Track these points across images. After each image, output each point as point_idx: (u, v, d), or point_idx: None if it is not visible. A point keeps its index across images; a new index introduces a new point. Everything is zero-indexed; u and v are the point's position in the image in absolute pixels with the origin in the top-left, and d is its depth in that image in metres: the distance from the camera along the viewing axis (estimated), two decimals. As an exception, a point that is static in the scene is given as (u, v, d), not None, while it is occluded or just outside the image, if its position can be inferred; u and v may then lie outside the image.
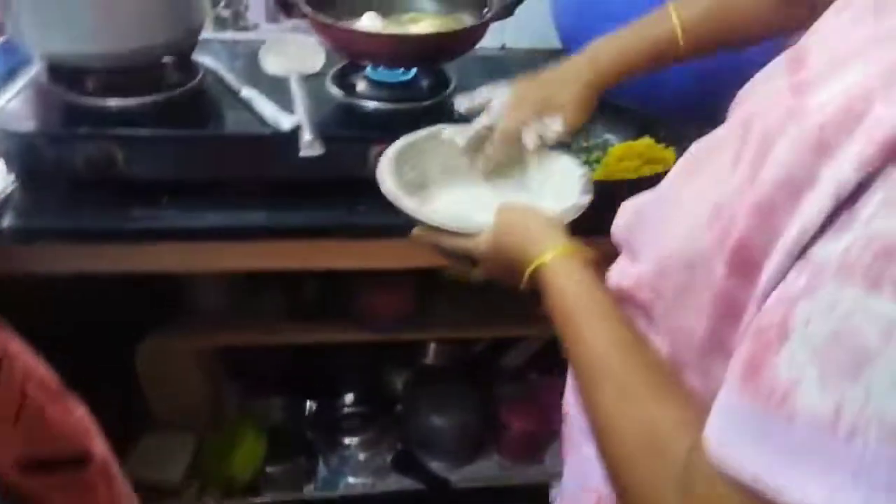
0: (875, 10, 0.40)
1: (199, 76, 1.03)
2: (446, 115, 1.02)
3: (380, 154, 0.84)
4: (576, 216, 0.73)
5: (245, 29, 1.36)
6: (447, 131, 0.85)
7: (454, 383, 1.58)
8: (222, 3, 1.34)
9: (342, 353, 1.54)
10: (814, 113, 0.38)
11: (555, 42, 1.25)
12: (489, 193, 0.84)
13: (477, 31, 0.95)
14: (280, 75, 1.06)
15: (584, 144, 1.09)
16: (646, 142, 1.02)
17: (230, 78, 1.04)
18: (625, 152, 1.00)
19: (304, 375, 1.60)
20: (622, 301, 0.56)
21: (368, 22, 1.03)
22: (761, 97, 0.48)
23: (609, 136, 1.09)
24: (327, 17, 0.98)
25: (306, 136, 0.90)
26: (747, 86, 0.55)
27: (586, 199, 0.76)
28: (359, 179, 0.87)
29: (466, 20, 1.07)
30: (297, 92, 1.00)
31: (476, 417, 1.54)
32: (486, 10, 1.03)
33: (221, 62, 1.10)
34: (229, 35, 1.32)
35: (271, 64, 1.09)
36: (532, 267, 0.60)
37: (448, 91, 1.04)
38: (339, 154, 0.92)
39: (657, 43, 0.78)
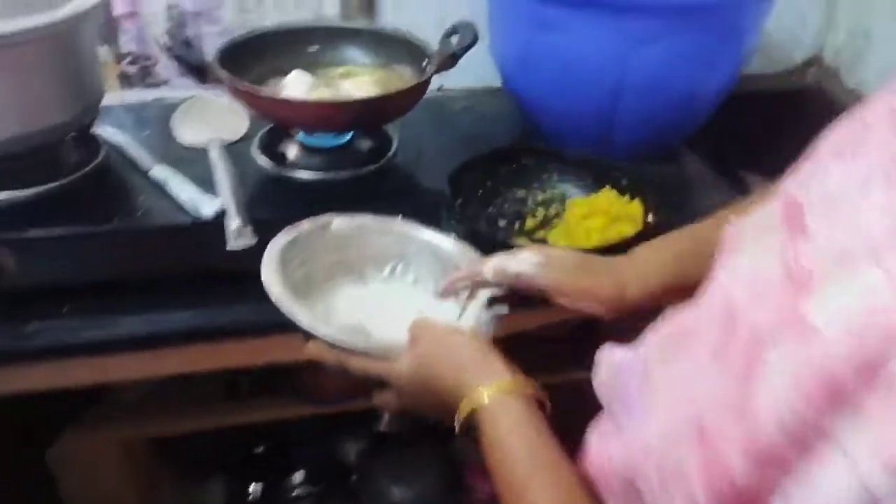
0: (888, 177, 0.33)
1: (101, 155, 0.89)
2: (391, 179, 0.91)
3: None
4: (495, 328, 0.64)
5: (155, 86, 1.21)
6: (336, 222, 0.74)
7: (413, 449, 1.46)
8: (127, 59, 1.19)
9: (288, 426, 1.40)
10: (820, 337, 0.31)
11: (494, 80, 1.15)
12: (392, 295, 0.74)
13: (419, 89, 0.84)
14: (197, 145, 0.93)
15: (540, 198, 0.99)
16: (608, 195, 0.93)
17: (138, 153, 0.89)
18: (588, 208, 0.91)
19: (247, 455, 1.45)
20: (609, 473, 0.48)
21: (296, 81, 0.90)
22: (748, 276, 0.39)
23: (566, 187, 1.00)
24: (247, 82, 0.86)
25: (233, 223, 0.77)
26: (734, 224, 0.46)
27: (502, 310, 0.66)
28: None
29: (405, 73, 0.96)
30: (218, 165, 0.86)
31: (439, 483, 1.42)
32: (425, 62, 0.92)
33: (128, 132, 0.95)
34: (135, 96, 1.17)
35: (186, 132, 0.95)
36: (466, 411, 0.52)
37: (391, 152, 0.93)
38: (270, 239, 0.79)
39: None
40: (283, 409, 1.22)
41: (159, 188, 0.84)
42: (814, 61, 1.47)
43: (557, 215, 0.95)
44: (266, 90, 0.84)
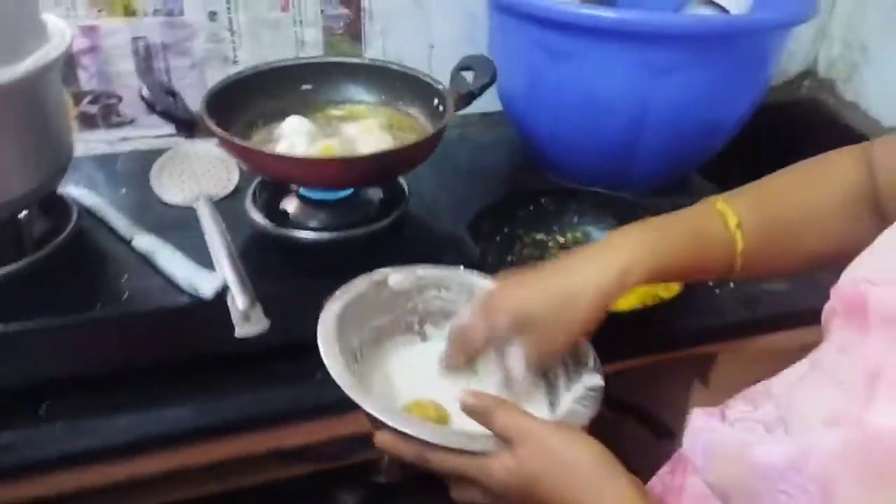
0: None
1: (73, 222, 0.76)
2: (405, 231, 0.81)
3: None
4: (594, 412, 0.55)
5: (119, 125, 1.08)
6: (394, 278, 0.64)
7: (413, 499, 1.36)
8: (87, 99, 1.06)
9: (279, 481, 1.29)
10: None
11: (496, 103, 1.07)
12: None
13: (437, 137, 0.74)
14: (183, 204, 0.81)
15: (561, 241, 0.91)
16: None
17: (116, 218, 0.77)
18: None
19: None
20: None
21: (294, 130, 0.79)
22: None
23: (587, 229, 0.92)
24: (239, 131, 0.74)
25: (239, 302, 0.66)
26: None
27: (598, 381, 0.57)
28: (310, 343, 0.64)
29: (413, 112, 0.86)
30: (210, 229, 0.75)
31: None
32: (437, 101, 0.82)
33: (101, 192, 0.83)
34: (101, 138, 1.04)
35: (168, 189, 0.83)
36: None
37: (405, 201, 0.83)
38: (280, 315, 0.68)
39: (707, 262, 0.58)
40: (273, 471, 1.10)
41: (145, 261, 0.72)
42: (807, 74, 1.43)
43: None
44: (266, 148, 0.73)
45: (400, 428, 0.50)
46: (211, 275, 0.69)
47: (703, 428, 0.48)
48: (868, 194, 0.55)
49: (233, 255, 0.71)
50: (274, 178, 0.76)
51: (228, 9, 1.04)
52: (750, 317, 0.80)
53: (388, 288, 0.64)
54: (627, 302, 0.76)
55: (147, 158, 0.88)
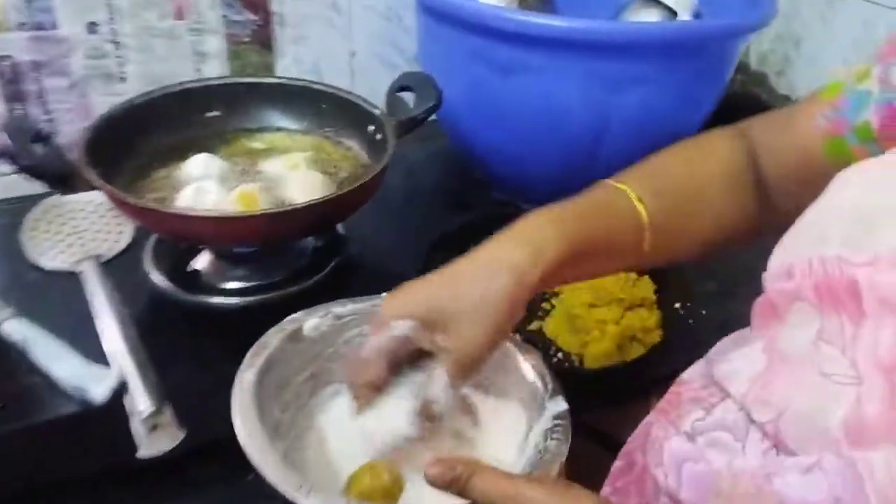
0: None
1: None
2: (344, 282, 0.67)
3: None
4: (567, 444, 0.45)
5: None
6: (308, 325, 0.51)
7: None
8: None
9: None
10: None
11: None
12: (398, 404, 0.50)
13: (379, 179, 0.61)
14: (63, 269, 0.65)
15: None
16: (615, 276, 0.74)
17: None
18: (594, 294, 0.71)
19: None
20: None
21: (203, 174, 0.64)
22: None
23: None
24: (132, 182, 0.59)
25: (142, 407, 0.51)
26: None
27: (562, 406, 0.47)
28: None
29: (345, 141, 0.72)
30: (99, 303, 0.59)
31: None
32: (372, 128, 0.69)
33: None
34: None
35: (44, 250, 0.66)
36: None
37: (344, 247, 0.69)
38: (196, 411, 0.54)
39: (617, 236, 0.50)
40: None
41: (18, 355, 0.55)
42: (739, 68, 1.37)
43: (547, 299, 0.75)
44: (164, 205, 0.57)
45: None
46: (102, 370, 0.53)
47: (681, 454, 0.42)
48: (746, 173, 0.54)
49: (130, 339, 0.56)
50: (179, 239, 0.61)
51: (111, 18, 0.87)
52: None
53: (303, 338, 0.51)
54: (601, 347, 0.66)
55: (18, 209, 0.70)
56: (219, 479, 0.56)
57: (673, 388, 0.48)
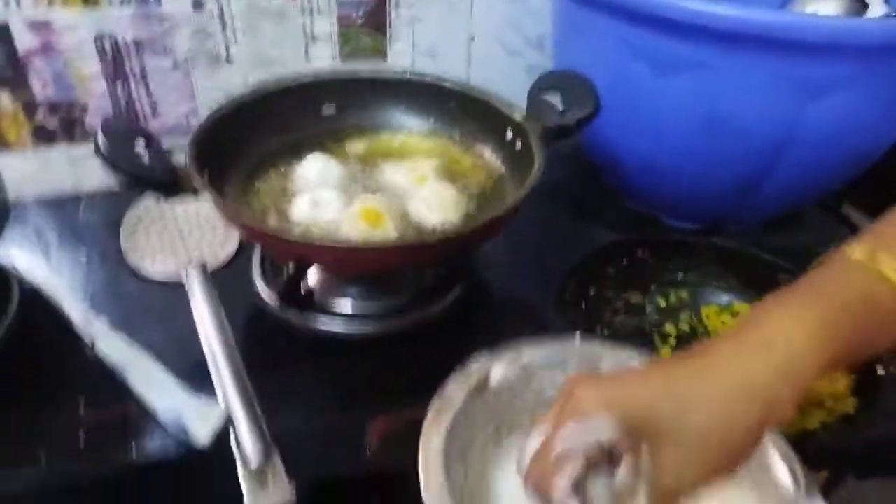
0: None
1: (11, 312, 0.52)
2: (476, 309, 0.59)
3: (384, 433, 0.47)
4: None
5: (86, 139, 0.85)
6: (496, 372, 0.43)
7: None
8: (43, 110, 0.82)
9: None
10: None
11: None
12: None
13: (524, 202, 0.52)
14: (163, 277, 0.59)
15: (662, 303, 0.68)
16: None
17: (72, 306, 0.54)
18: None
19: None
20: None
21: (317, 176, 0.57)
22: None
23: (699, 288, 0.69)
24: (243, 186, 0.52)
25: (250, 453, 0.44)
26: None
27: None
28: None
29: (476, 147, 0.63)
30: (205, 321, 0.53)
31: None
32: (510, 134, 0.60)
33: (51, 258, 0.60)
34: (63, 164, 0.80)
35: (144, 254, 0.61)
36: None
37: (472, 273, 0.61)
38: (307, 463, 0.47)
39: (879, 340, 0.39)
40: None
41: (113, 378, 0.50)
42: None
43: (696, 332, 0.65)
44: (283, 229, 0.50)
45: None
46: (206, 405, 0.47)
47: None
48: None
49: (237, 369, 0.49)
50: (295, 262, 0.53)
51: (219, -5, 0.80)
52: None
53: (489, 389, 0.43)
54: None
55: (119, 202, 0.65)
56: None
57: None
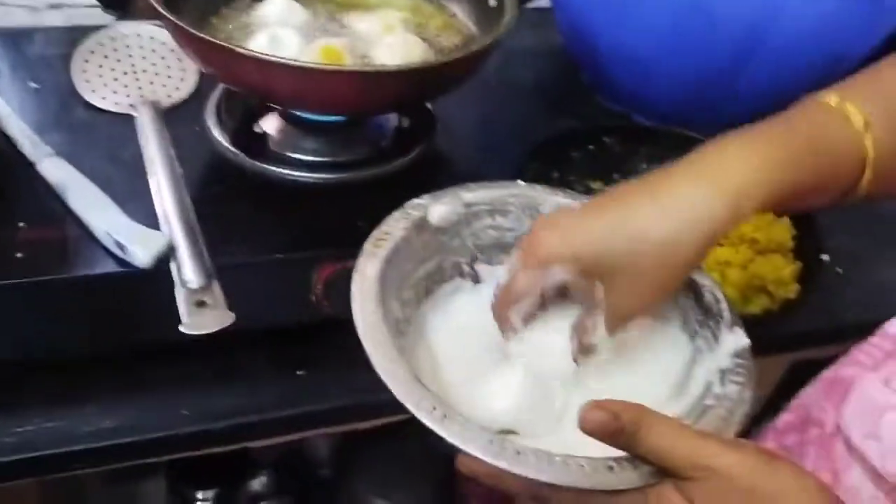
0: None
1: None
2: (434, 174, 0.58)
3: (330, 278, 0.46)
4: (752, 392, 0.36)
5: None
6: (436, 211, 0.43)
7: (397, 444, 1.20)
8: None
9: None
10: None
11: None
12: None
13: (488, 51, 0.50)
14: (115, 109, 0.57)
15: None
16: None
17: (18, 131, 0.53)
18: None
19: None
20: None
21: (278, 16, 0.54)
22: None
23: (653, 165, 0.69)
24: (199, 17, 0.49)
25: (191, 278, 0.44)
26: None
27: (744, 341, 0.38)
28: (288, 329, 0.46)
29: (450, 5, 0.61)
30: (154, 155, 0.51)
31: (428, 489, 1.18)
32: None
33: (2, 86, 0.58)
34: (22, 9, 0.76)
35: (96, 86, 0.58)
36: None
37: (433, 131, 0.59)
38: (250, 297, 0.46)
39: (830, 179, 0.39)
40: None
41: (55, 199, 0.48)
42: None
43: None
44: (237, 45, 0.47)
45: (516, 471, 0.31)
46: (148, 231, 0.46)
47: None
48: None
49: (182, 202, 0.48)
50: (249, 91, 0.52)
51: None
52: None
53: (429, 227, 0.43)
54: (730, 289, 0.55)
55: (71, 39, 0.62)
56: (264, 371, 0.49)
57: (875, 340, 0.42)
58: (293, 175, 0.54)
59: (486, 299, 0.41)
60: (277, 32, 0.52)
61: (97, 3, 0.66)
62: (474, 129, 0.63)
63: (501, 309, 0.40)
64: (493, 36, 0.48)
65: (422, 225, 0.42)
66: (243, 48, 0.44)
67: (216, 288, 0.44)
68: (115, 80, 0.58)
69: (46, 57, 0.62)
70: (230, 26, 0.55)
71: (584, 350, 0.39)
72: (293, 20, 0.54)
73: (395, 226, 0.41)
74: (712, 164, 0.37)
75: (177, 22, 0.45)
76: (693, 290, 0.41)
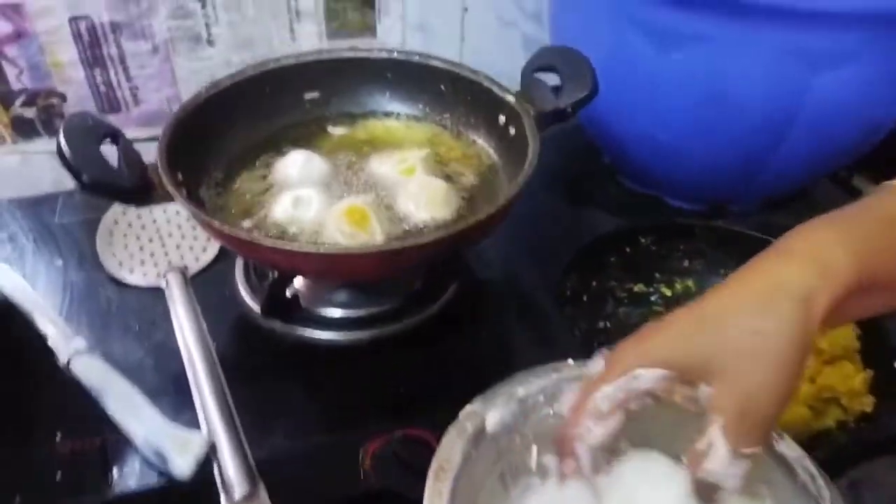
0: None
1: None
2: (471, 309, 0.54)
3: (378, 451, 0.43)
4: None
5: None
6: (491, 418, 0.38)
7: None
8: (20, 100, 0.76)
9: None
10: None
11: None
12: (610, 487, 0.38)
13: (517, 199, 0.46)
14: (141, 284, 0.54)
15: (667, 292, 0.63)
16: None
17: (45, 320, 0.50)
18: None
19: None
20: None
21: (299, 174, 0.51)
22: None
23: (706, 275, 0.64)
24: (221, 184, 0.47)
25: (234, 485, 0.40)
26: None
27: None
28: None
29: (469, 133, 0.57)
30: (187, 336, 0.48)
31: None
32: (503, 119, 0.54)
33: (24, 265, 0.55)
34: (45, 156, 0.74)
35: (121, 259, 0.56)
36: None
37: (466, 271, 0.55)
38: (296, 484, 0.43)
39: None
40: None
41: (90, 401, 0.45)
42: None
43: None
44: (270, 239, 0.44)
45: None
46: (188, 436, 0.42)
47: None
48: None
49: (220, 389, 0.45)
50: (279, 271, 0.48)
51: (197, -27, 0.74)
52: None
53: (487, 436, 0.39)
54: (791, 411, 0.50)
55: (99, 202, 0.59)
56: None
57: None
58: (327, 338, 0.50)
59: (558, 493, 0.37)
60: (300, 194, 0.49)
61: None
62: (503, 245, 0.59)
63: (571, 428, 0.35)
64: (518, 183, 0.44)
65: (479, 436, 0.37)
66: (268, 241, 0.41)
67: (262, 493, 0.40)
68: (141, 248, 0.56)
69: (68, 226, 0.60)
70: (254, 187, 0.52)
71: (703, 491, 0.33)
72: (315, 174, 0.51)
73: (452, 449, 0.36)
74: (793, 244, 0.34)
75: (200, 214, 0.42)
76: (783, 464, 0.36)
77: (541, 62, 0.53)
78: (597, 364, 0.36)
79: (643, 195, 0.74)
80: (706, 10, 0.56)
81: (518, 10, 0.87)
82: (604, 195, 0.75)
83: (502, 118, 0.54)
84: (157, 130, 0.75)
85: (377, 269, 0.43)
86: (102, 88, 0.78)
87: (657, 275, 0.63)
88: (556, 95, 0.50)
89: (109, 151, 0.45)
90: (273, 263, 0.44)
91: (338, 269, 0.43)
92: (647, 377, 0.33)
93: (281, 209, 0.48)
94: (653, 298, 0.62)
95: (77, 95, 0.77)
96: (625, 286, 0.63)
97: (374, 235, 0.46)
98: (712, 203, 0.72)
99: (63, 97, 0.77)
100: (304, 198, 0.48)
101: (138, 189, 0.43)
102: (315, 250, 0.41)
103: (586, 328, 0.58)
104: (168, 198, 0.44)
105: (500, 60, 0.85)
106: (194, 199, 0.48)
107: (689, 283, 0.63)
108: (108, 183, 0.41)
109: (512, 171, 0.51)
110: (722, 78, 0.58)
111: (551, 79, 0.53)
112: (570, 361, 0.41)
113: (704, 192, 0.71)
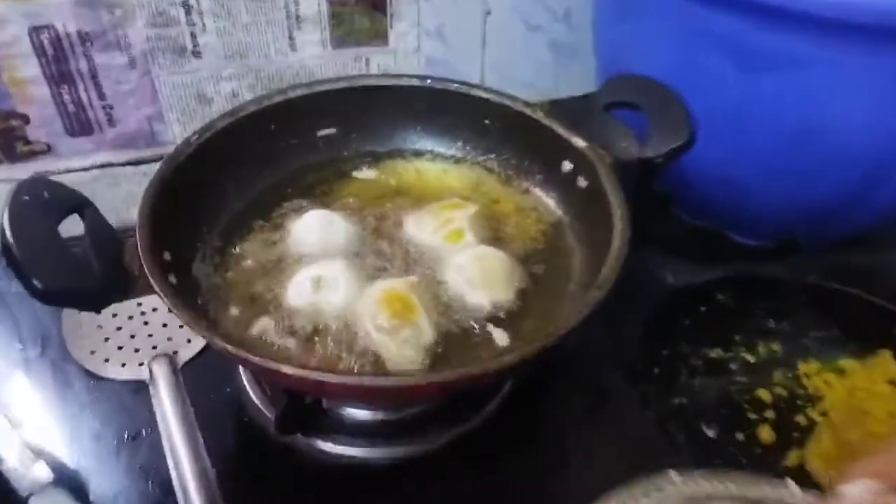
0: None
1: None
2: (536, 416, 0.44)
3: None
4: None
5: (30, 156, 0.67)
6: None
7: None
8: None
9: None
10: None
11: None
12: None
13: (608, 294, 0.35)
14: (120, 378, 0.43)
15: (749, 358, 0.53)
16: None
17: (2, 441, 0.39)
18: (876, 401, 0.46)
19: None
20: None
21: (315, 238, 0.40)
22: None
23: (793, 338, 0.53)
24: (216, 268, 0.36)
25: None
26: None
27: None
28: None
29: (521, 180, 0.46)
30: (174, 443, 0.37)
31: None
32: (568, 165, 0.43)
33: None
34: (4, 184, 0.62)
35: (93, 346, 0.44)
36: None
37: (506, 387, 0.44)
38: None
39: None
40: None
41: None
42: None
43: (801, 406, 0.49)
44: (294, 367, 0.32)
45: None
46: None
47: None
48: None
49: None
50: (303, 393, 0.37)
51: (179, -26, 0.61)
52: None
53: None
54: None
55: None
56: None
57: None
58: (356, 454, 0.39)
59: None
60: (323, 274, 0.38)
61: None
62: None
63: None
64: (613, 270, 0.33)
65: None
66: (289, 368, 0.30)
67: None
68: (118, 328, 0.44)
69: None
70: (261, 256, 0.41)
71: None
72: (338, 240, 0.40)
73: None
74: None
75: (206, 333, 0.31)
76: None
77: (615, 96, 0.42)
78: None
79: (702, 230, 0.64)
80: (803, 28, 0.45)
81: (546, 13, 0.76)
82: (657, 229, 0.64)
83: (567, 165, 0.43)
84: (136, 154, 0.63)
85: (426, 396, 0.33)
86: (71, 108, 0.66)
87: (737, 337, 0.53)
88: (640, 145, 0.39)
89: (73, 227, 0.34)
90: (300, 388, 0.33)
91: (378, 397, 0.32)
92: (856, 489, 0.29)
93: (298, 293, 0.37)
94: (732, 367, 0.52)
95: (41, 116, 0.64)
96: (699, 351, 0.53)
97: (422, 332, 0.36)
98: (783, 240, 0.62)
99: (25, 118, 0.65)
100: (327, 278, 0.37)
101: (112, 286, 0.32)
102: (351, 382, 0.30)
103: (658, 407, 0.48)
104: (151, 289, 0.33)
105: (524, 69, 0.74)
106: (187, 281, 0.37)
107: (775, 346, 0.53)
108: (70, 287, 0.30)
109: (584, 233, 0.40)
110: (818, 108, 0.48)
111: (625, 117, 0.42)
112: (673, 475, 0.32)
113: (778, 230, 0.60)
